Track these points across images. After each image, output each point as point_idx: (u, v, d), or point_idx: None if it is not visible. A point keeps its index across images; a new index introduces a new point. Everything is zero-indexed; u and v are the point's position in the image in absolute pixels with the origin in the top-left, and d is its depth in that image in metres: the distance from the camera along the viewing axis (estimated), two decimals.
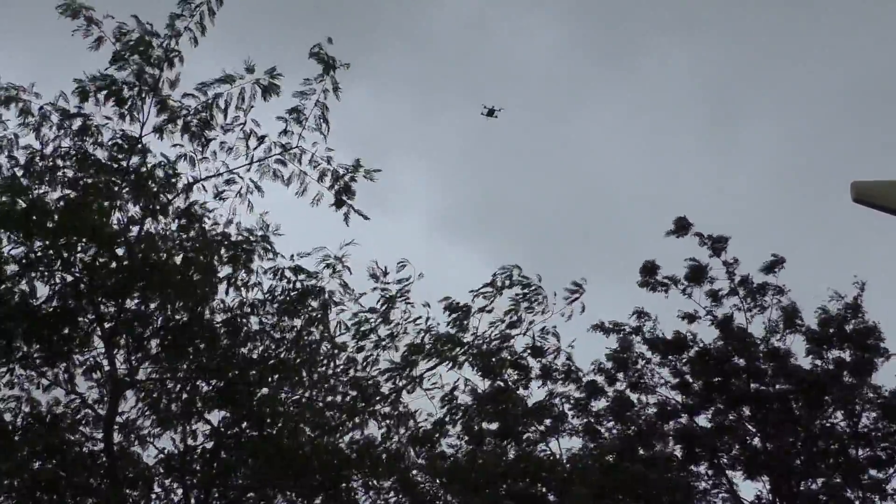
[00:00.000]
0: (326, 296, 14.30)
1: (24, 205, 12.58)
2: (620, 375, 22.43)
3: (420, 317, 14.79)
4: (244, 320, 14.00)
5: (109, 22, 13.18)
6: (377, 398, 14.81)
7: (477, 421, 16.54)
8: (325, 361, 14.72)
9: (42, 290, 12.96)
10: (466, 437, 17.07)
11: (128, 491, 13.57)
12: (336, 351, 14.67)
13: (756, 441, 22.02)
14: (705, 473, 22.24)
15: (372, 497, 15.14)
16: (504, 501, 18.32)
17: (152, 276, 12.88)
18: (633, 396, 22.45)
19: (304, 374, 14.41)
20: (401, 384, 14.91)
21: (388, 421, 14.97)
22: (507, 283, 14.68)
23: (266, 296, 14.15)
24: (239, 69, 13.36)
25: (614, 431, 22.06)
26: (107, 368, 13.42)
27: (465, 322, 14.79)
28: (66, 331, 13.19)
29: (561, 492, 19.43)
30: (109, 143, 13.40)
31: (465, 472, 15.31)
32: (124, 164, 13.40)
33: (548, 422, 20.99)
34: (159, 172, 13.54)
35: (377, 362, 15.06)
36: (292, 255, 14.21)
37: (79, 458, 13.34)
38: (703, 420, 22.33)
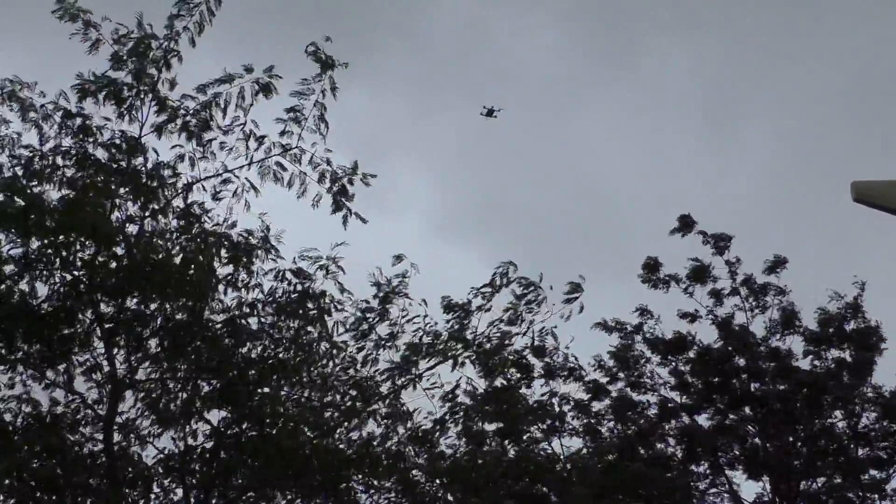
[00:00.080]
0: (327, 299, 14.31)
1: (22, 203, 12.57)
2: (622, 374, 22.40)
3: (417, 316, 14.84)
4: (244, 321, 13.99)
5: (108, 23, 13.22)
6: (376, 398, 14.83)
7: (475, 420, 16.53)
8: (324, 361, 14.73)
9: (42, 290, 12.99)
10: (466, 438, 17.03)
11: (127, 491, 13.56)
12: (335, 351, 14.69)
13: (756, 441, 22.02)
14: (706, 473, 22.24)
15: (373, 498, 15.15)
16: (504, 501, 18.31)
17: (152, 276, 12.87)
18: (634, 396, 22.43)
19: (304, 373, 14.42)
20: (400, 382, 14.94)
21: (387, 421, 14.99)
22: (504, 280, 14.73)
23: (266, 297, 14.15)
24: (238, 70, 13.40)
25: (615, 431, 22.05)
26: (106, 369, 13.42)
27: (466, 321, 14.83)
28: (66, 331, 13.18)
29: (561, 491, 19.43)
30: (108, 142, 13.41)
31: (465, 472, 15.30)
32: (123, 163, 13.40)
33: (548, 422, 20.97)
34: (159, 172, 13.55)
35: (377, 362, 15.10)
36: (294, 258, 14.23)
37: (79, 458, 13.34)
38: (703, 420, 22.33)
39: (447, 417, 15.45)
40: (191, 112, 13.49)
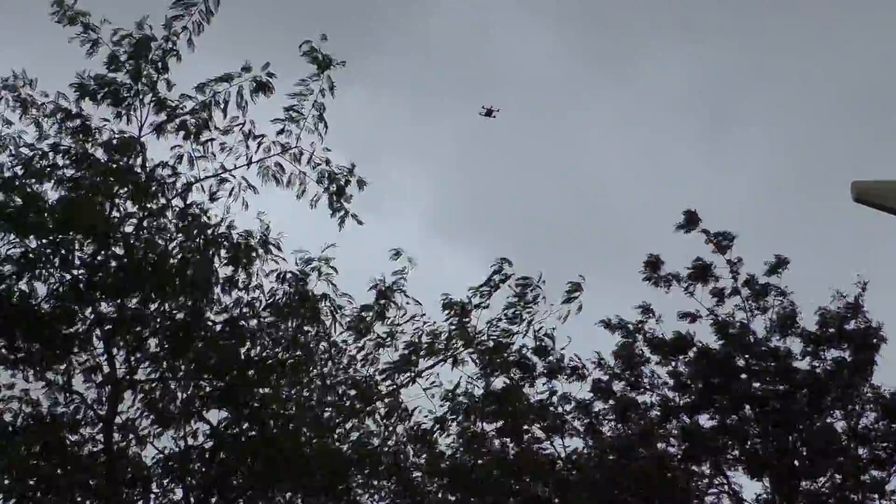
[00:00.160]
0: (328, 302, 14.35)
1: (20, 201, 12.58)
2: (625, 374, 22.37)
3: (415, 315, 14.89)
4: (243, 322, 14.00)
5: (106, 25, 13.22)
6: (375, 398, 14.85)
7: (473, 420, 16.55)
8: (323, 360, 14.76)
9: (41, 290, 12.98)
10: (466, 438, 17.04)
11: (127, 491, 13.57)
12: (333, 350, 14.71)
13: (757, 441, 22.00)
14: (707, 473, 22.23)
15: (373, 499, 15.17)
16: (505, 501, 18.32)
17: (152, 276, 12.88)
18: (635, 395, 22.41)
19: (304, 373, 14.44)
20: (399, 381, 14.98)
21: (386, 420, 15.01)
22: (500, 278, 14.80)
23: (267, 298, 14.15)
24: (237, 70, 13.40)
25: (617, 430, 22.02)
26: (106, 369, 13.41)
27: (466, 320, 14.88)
28: (66, 331, 13.18)
29: (562, 491, 19.44)
30: (107, 141, 13.41)
31: (466, 473, 15.33)
32: (122, 163, 13.40)
33: (547, 421, 20.94)
34: (155, 172, 13.56)
35: (377, 361, 15.13)
36: (296, 260, 14.25)
37: (78, 458, 13.35)
38: (703, 419, 22.29)
39: (448, 417, 15.47)
40: (189, 111, 13.50)
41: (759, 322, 22.49)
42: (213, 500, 13.91)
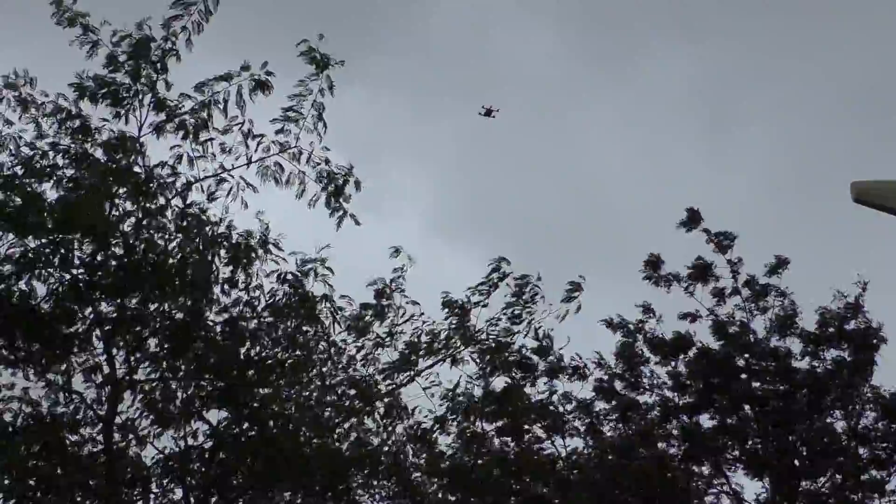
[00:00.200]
0: (328, 303, 14.37)
1: (19, 201, 12.58)
2: (627, 375, 22.36)
3: (414, 314, 14.92)
4: (244, 322, 14.00)
5: (106, 27, 13.23)
6: (375, 398, 14.86)
7: (472, 420, 16.57)
8: (322, 360, 14.77)
9: (40, 290, 12.99)
10: (465, 438, 17.04)
11: (126, 491, 13.57)
12: (332, 350, 14.73)
13: (757, 441, 22.00)
14: (707, 473, 22.22)
15: (373, 499, 15.18)
16: (505, 501, 18.32)
17: (151, 276, 12.88)
18: (635, 395, 22.40)
19: (303, 373, 14.44)
20: (398, 380, 15.00)
21: (385, 420, 15.02)
22: (498, 276, 14.84)
23: (267, 299, 14.16)
24: (236, 70, 13.40)
25: (618, 430, 22.02)
26: (106, 370, 13.41)
27: (466, 319, 14.91)
28: (66, 330, 13.18)
29: (562, 491, 19.44)
30: (106, 141, 13.41)
31: (465, 472, 15.35)
32: (121, 162, 13.40)
33: (549, 421, 20.93)
34: (154, 172, 13.57)
35: (376, 361, 15.14)
36: (296, 261, 14.25)
37: (78, 459, 13.35)
38: (704, 419, 22.29)
39: (448, 416, 15.49)
40: (188, 111, 13.50)
41: (759, 322, 22.50)
42: (213, 500, 13.91)
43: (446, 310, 15.25)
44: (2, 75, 13.54)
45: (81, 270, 12.96)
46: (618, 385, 22.32)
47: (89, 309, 13.26)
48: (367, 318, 15.01)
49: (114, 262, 13.00)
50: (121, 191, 13.32)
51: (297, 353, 14.29)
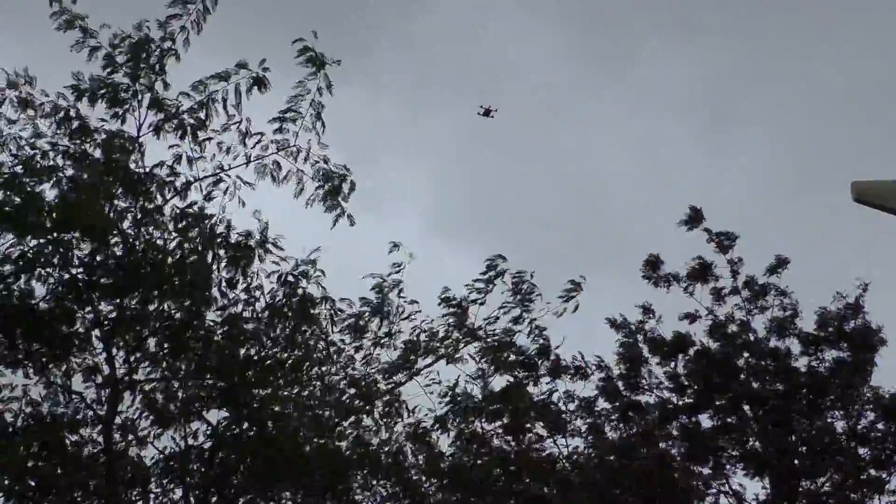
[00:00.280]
0: (328, 304, 14.38)
1: (18, 201, 12.58)
2: (629, 375, 22.36)
3: (412, 313, 14.94)
4: (247, 326, 14.01)
5: (105, 29, 13.23)
6: (374, 397, 14.88)
7: (471, 420, 16.57)
8: (321, 359, 14.78)
9: (40, 290, 12.99)
10: (465, 438, 17.04)
11: (126, 491, 13.57)
12: (331, 349, 14.74)
13: (756, 441, 22.00)
14: (708, 472, 22.22)
15: (373, 499, 15.18)
16: (505, 501, 18.31)
17: (150, 276, 12.88)
18: (635, 396, 22.41)
19: (303, 373, 14.45)
20: (398, 378, 15.02)
21: (385, 420, 15.04)
22: (494, 273, 14.88)
23: (267, 299, 14.16)
24: (233, 69, 13.40)
25: (619, 430, 22.02)
26: (106, 370, 13.41)
27: (464, 317, 14.94)
28: (66, 330, 13.18)
29: (563, 491, 19.43)
30: (104, 141, 13.41)
31: (465, 472, 15.35)
32: (119, 161, 13.40)
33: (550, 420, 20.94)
34: (152, 172, 13.57)
35: (376, 361, 15.15)
36: (296, 262, 14.24)
37: (78, 459, 13.35)
38: (704, 419, 22.29)
39: (448, 416, 15.51)
40: (187, 110, 13.50)
41: (758, 321, 22.52)
42: (214, 500, 13.91)
43: (443, 304, 15.29)
44: (5, 75, 13.55)
45: (81, 270, 12.95)
46: (619, 385, 22.34)
47: (89, 309, 13.26)
48: (365, 315, 15.02)
49: (113, 262, 13.00)
50: (119, 191, 13.31)
51: (296, 353, 14.29)
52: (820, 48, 62.19)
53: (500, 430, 18.77)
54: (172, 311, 13.47)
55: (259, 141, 13.79)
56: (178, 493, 13.93)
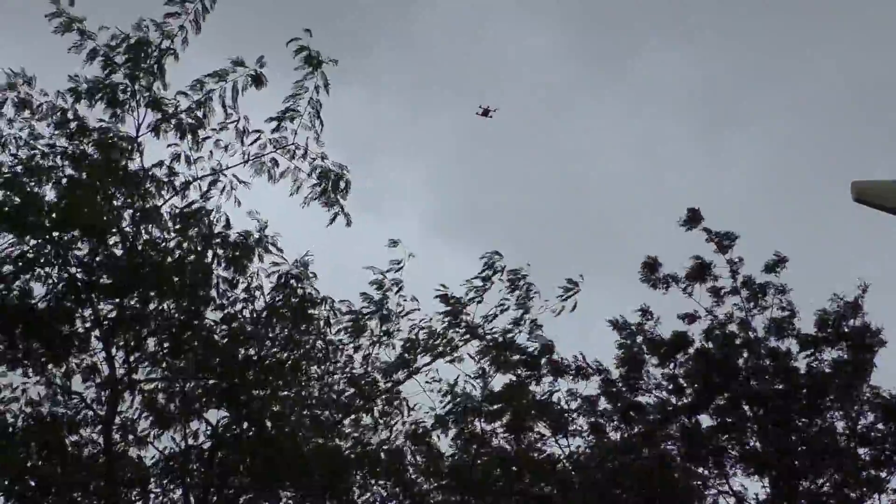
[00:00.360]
0: (329, 305, 14.40)
1: (18, 200, 12.57)
2: (631, 376, 22.36)
3: (411, 311, 14.95)
4: (248, 328, 14.01)
5: (104, 31, 13.23)
6: (374, 396, 14.88)
7: (470, 420, 16.57)
8: (320, 358, 14.78)
9: (39, 290, 12.99)
10: (465, 438, 17.04)
11: (126, 491, 13.57)
12: (329, 349, 14.74)
13: (756, 441, 21.99)
14: (709, 472, 22.21)
15: (376, 498, 15.18)
16: (505, 501, 18.30)
17: (152, 275, 12.87)
18: (631, 397, 22.41)
19: (302, 373, 14.45)
20: (398, 377, 15.02)
21: (385, 418, 15.04)
22: (490, 272, 14.89)
23: (267, 300, 14.16)
24: (230, 67, 13.41)
25: (620, 431, 22.02)
26: (105, 371, 13.40)
27: (459, 313, 14.96)
28: (65, 330, 13.17)
29: (563, 491, 19.43)
30: (102, 140, 13.40)
31: (465, 472, 15.35)
32: (116, 160, 13.40)
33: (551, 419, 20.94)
34: (150, 172, 13.57)
35: (376, 360, 15.15)
36: (296, 263, 14.24)
37: (78, 459, 13.34)
38: (703, 419, 22.29)
39: (448, 416, 15.50)
40: (185, 110, 13.49)
41: (758, 321, 22.50)
42: (214, 500, 13.91)
43: (439, 300, 15.29)
44: (6, 74, 13.56)
45: (80, 270, 12.95)
46: (620, 386, 22.34)
47: (88, 309, 13.25)
48: (364, 313, 15.02)
49: (112, 262, 12.99)
50: (118, 192, 13.31)
51: (296, 352, 14.29)
52: (820, 48, 62.20)
53: (500, 430, 18.79)
54: (172, 311, 13.46)
55: (257, 139, 13.80)
56: (178, 493, 13.93)
